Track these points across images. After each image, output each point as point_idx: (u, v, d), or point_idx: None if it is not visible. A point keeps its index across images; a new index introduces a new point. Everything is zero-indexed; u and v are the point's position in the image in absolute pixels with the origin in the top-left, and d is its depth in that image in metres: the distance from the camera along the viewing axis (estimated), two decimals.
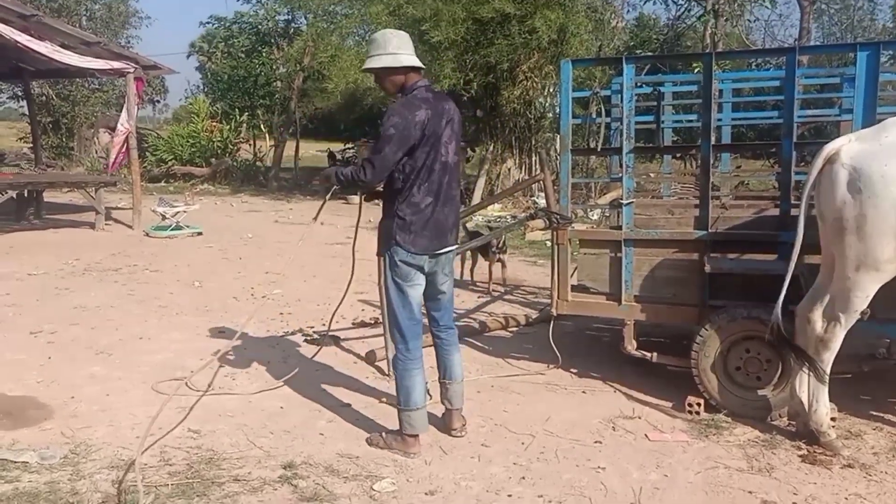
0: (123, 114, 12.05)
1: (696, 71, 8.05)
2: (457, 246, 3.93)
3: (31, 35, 10.63)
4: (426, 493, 3.33)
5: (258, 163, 23.08)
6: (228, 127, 23.08)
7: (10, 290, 7.30)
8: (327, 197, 4.00)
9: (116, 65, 11.77)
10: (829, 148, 3.69)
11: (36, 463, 3.53)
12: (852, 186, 3.55)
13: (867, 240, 3.53)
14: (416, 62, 3.81)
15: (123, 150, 12.01)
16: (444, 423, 4.02)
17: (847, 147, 3.63)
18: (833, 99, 6.96)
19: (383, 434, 3.88)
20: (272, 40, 25.92)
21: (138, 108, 12.48)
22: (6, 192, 11.13)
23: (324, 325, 6.27)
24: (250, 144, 24.13)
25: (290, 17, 25.41)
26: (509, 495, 3.32)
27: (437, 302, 3.95)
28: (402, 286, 3.75)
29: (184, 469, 3.51)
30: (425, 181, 3.67)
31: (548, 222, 5.02)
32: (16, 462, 3.52)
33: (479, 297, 7.58)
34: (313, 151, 28.84)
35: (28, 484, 3.33)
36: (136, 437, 3.86)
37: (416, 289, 3.77)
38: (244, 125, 23.74)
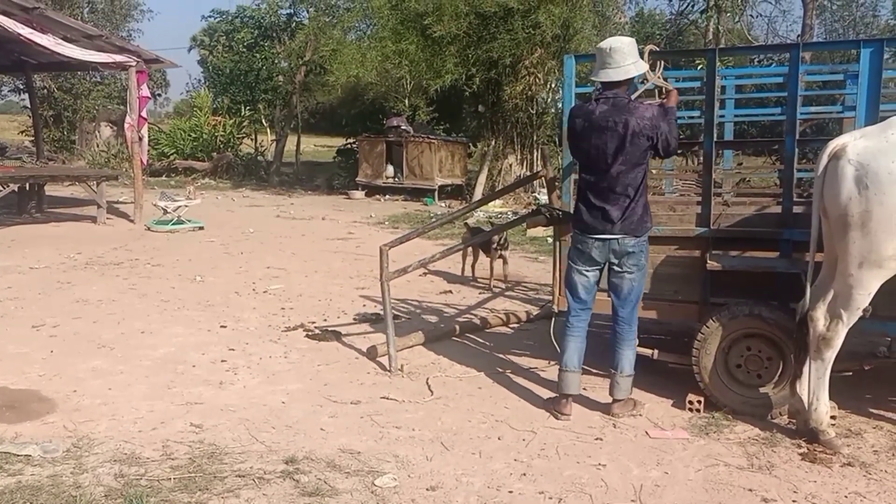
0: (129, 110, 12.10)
1: (698, 67, 8.03)
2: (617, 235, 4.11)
3: (34, 28, 10.63)
4: (427, 489, 3.34)
5: (259, 157, 23.08)
6: (232, 122, 23.08)
7: (11, 283, 7.31)
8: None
9: (119, 58, 11.76)
10: (835, 144, 3.69)
11: (39, 456, 3.53)
12: (859, 183, 3.54)
13: (871, 236, 3.54)
14: (598, 80, 4.18)
15: (137, 141, 12.04)
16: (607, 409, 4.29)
17: (853, 143, 3.63)
18: (836, 96, 6.94)
19: (552, 398, 4.36)
20: (274, 34, 25.86)
21: (146, 102, 12.47)
22: (8, 186, 11.14)
23: (325, 319, 6.28)
24: (252, 139, 24.14)
25: (291, 10, 25.35)
26: (510, 491, 3.33)
27: (613, 292, 4.25)
28: (569, 266, 4.30)
29: (186, 463, 3.53)
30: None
31: (549, 218, 5.02)
32: (19, 455, 3.53)
33: (480, 294, 7.58)
34: (314, 146, 28.86)
35: (31, 477, 3.34)
36: (138, 432, 3.88)
37: (579, 270, 4.23)
38: (247, 120, 23.75)
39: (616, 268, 4.15)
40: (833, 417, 3.92)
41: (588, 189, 4.15)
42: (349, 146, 23.87)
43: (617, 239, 4.08)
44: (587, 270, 4.21)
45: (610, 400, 4.28)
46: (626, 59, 4.03)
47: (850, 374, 4.26)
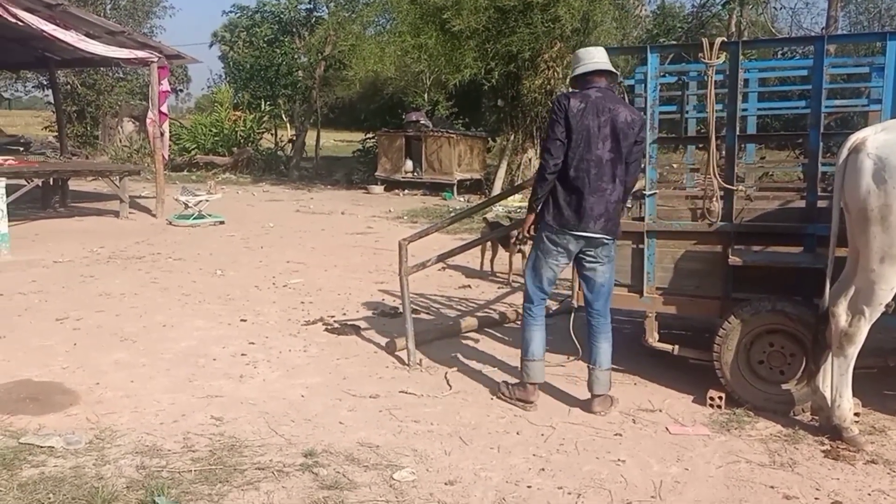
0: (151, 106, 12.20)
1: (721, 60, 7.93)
2: (601, 235, 4.08)
3: (57, 24, 10.75)
4: (446, 483, 3.34)
5: (279, 152, 23.20)
6: (252, 117, 23.22)
7: (36, 277, 7.41)
8: None
9: (141, 54, 11.86)
10: (855, 138, 3.65)
11: (61, 448, 3.58)
12: (877, 177, 3.49)
13: (892, 230, 3.48)
14: (590, 69, 4.11)
15: (159, 137, 12.13)
16: (587, 406, 4.23)
17: (873, 137, 3.58)
18: (861, 89, 6.81)
19: (509, 384, 4.38)
20: (294, 29, 26.00)
21: (167, 98, 12.55)
22: (32, 181, 11.28)
23: (344, 314, 6.30)
24: (272, 134, 24.28)
25: (311, 5, 25.51)
26: (529, 486, 3.32)
27: (585, 284, 4.26)
28: (540, 257, 4.22)
29: (206, 456, 3.55)
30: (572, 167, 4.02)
31: None
32: (42, 447, 3.57)
33: (499, 288, 7.57)
34: (333, 141, 28.94)
35: (54, 468, 3.38)
36: (160, 424, 3.92)
37: (552, 264, 4.19)
38: (267, 115, 23.88)
39: (589, 259, 4.16)
40: (856, 414, 3.86)
41: (572, 181, 4.02)
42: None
43: (594, 237, 4.09)
44: (559, 265, 4.21)
45: (588, 395, 4.24)
46: (610, 61, 4.17)
47: (875, 370, 4.20)
